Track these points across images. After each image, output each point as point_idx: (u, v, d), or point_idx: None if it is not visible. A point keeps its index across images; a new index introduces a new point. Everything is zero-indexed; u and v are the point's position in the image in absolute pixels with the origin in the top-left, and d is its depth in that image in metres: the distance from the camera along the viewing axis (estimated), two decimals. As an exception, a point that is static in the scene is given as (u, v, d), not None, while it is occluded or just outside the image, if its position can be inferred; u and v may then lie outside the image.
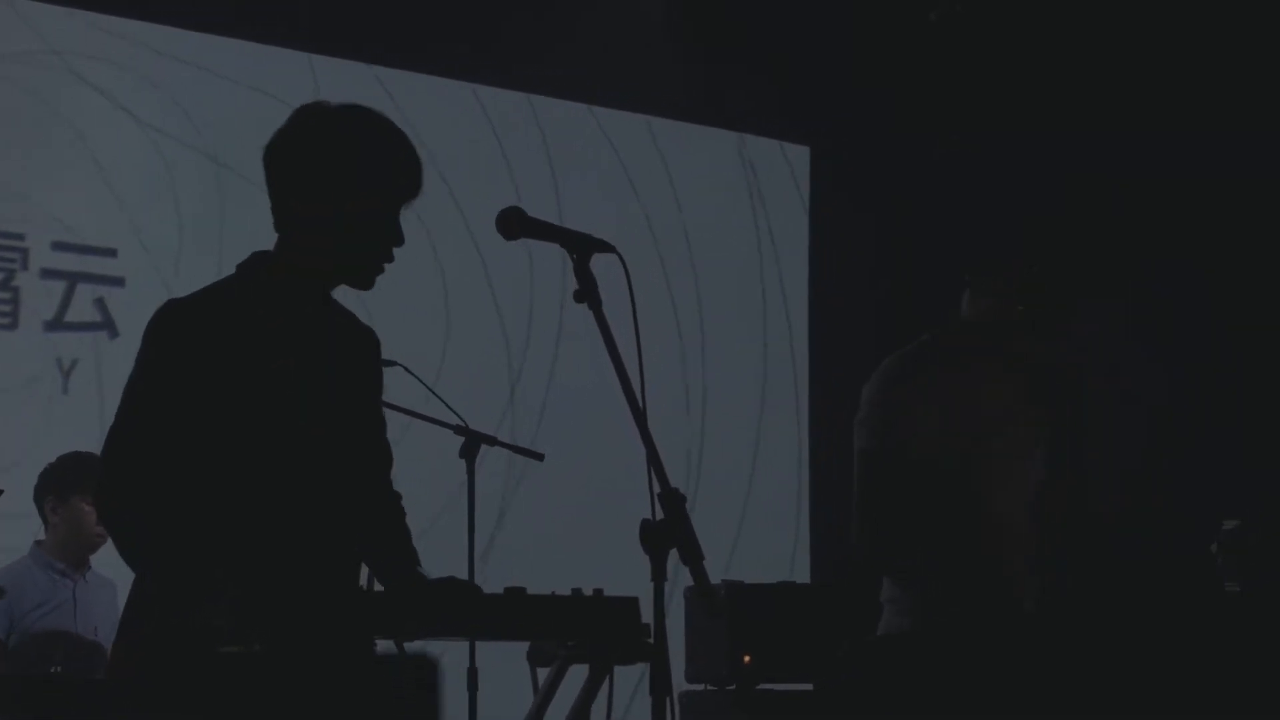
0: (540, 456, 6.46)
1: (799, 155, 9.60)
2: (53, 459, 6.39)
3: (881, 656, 4.46)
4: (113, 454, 3.53)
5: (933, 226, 8.78)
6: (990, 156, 8.73)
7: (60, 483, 6.24)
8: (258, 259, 3.70)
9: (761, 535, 9.07)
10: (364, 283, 3.70)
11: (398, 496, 3.91)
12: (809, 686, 6.86)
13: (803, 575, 9.00)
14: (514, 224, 3.54)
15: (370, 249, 3.66)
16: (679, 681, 6.67)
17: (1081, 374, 4.57)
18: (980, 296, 4.52)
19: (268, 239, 3.71)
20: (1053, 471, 4.49)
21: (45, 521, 6.39)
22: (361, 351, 3.83)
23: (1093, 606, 4.51)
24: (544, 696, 3.50)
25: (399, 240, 3.68)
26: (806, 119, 9.48)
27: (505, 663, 6.06)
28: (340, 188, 3.60)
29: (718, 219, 9.30)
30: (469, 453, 6.21)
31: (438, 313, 8.29)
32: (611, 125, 9.06)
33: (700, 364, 9.11)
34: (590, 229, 3.57)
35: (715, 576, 6.32)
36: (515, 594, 3.43)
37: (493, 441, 6.27)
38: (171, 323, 3.58)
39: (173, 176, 7.79)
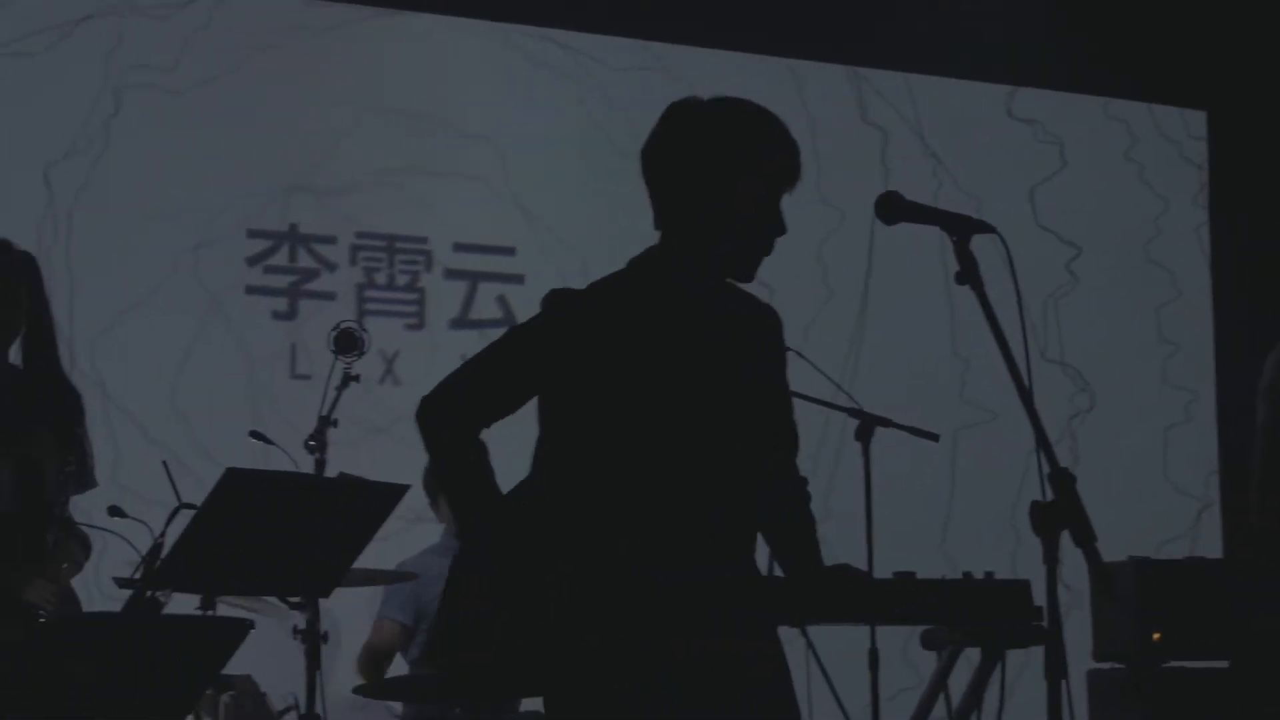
0: (935, 437, 6.40)
1: (1194, 121, 9.36)
2: None
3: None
4: (466, 383, 3.62)
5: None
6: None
7: (428, 483, 6.41)
8: (650, 254, 3.72)
9: (1170, 510, 8.88)
10: (746, 273, 3.69)
11: (803, 481, 3.87)
12: (1223, 664, 6.71)
13: (1214, 551, 8.80)
14: (893, 208, 3.53)
15: (753, 239, 3.66)
16: (1087, 660, 6.58)
17: None
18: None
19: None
20: None
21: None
22: (765, 331, 3.80)
23: None
24: (937, 680, 3.50)
25: (781, 229, 3.66)
26: (1202, 81, 9.22)
27: (906, 644, 6.08)
28: (721, 182, 3.60)
29: (1102, 193, 9.09)
30: (864, 435, 6.20)
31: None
32: (981, 98, 8.94)
33: (1089, 340, 8.94)
34: (964, 208, 3.54)
35: (1120, 554, 6.29)
36: (905, 579, 3.43)
37: (888, 423, 6.24)
38: (565, 302, 3.64)
39: (567, 172, 7.96)
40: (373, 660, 6.39)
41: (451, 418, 3.59)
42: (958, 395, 8.47)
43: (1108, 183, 9.09)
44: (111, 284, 7.19)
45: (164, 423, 7.11)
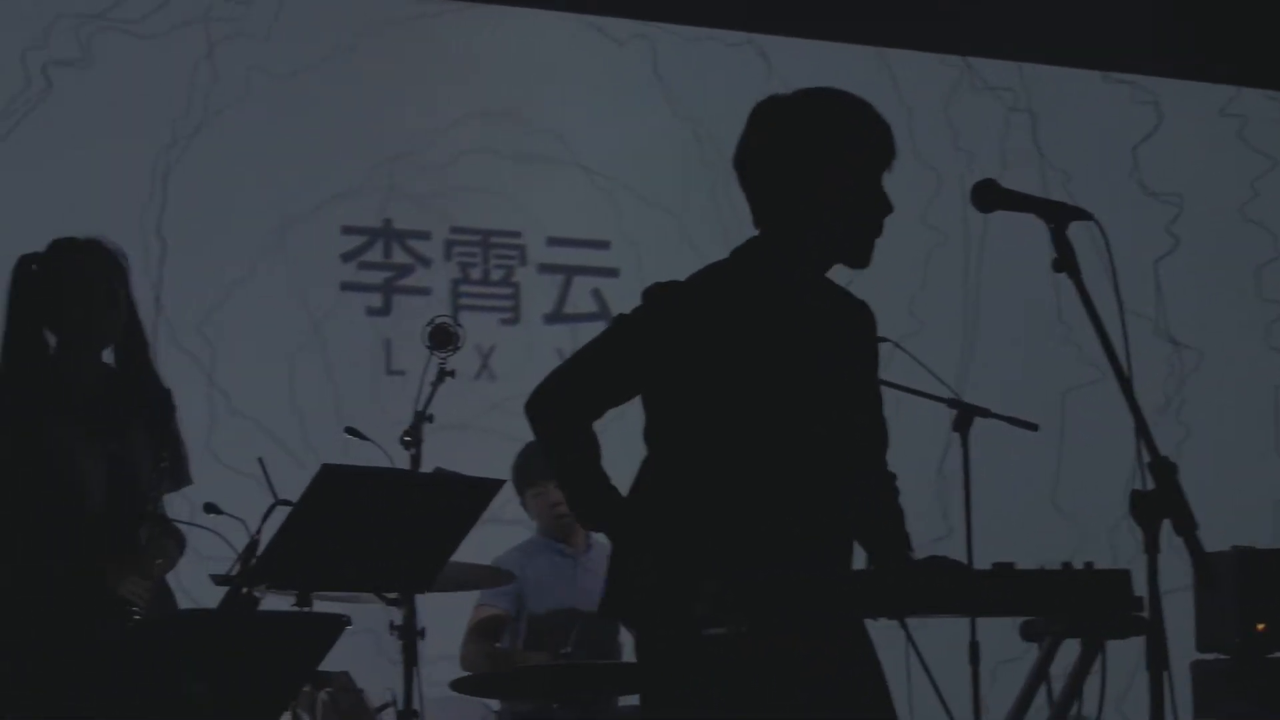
0: (1034, 426, 6.34)
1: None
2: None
3: None
4: (570, 377, 3.67)
5: None
6: None
7: (515, 478, 6.41)
8: (750, 246, 3.74)
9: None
10: (860, 260, 3.71)
11: (892, 477, 3.89)
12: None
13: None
14: (989, 196, 3.52)
15: (860, 225, 3.67)
16: (1190, 651, 6.51)
17: None
18: None
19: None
20: None
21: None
22: (858, 326, 3.82)
23: None
24: (1037, 672, 3.46)
25: (887, 208, 3.67)
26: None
27: (1007, 635, 6.03)
28: (808, 173, 3.61)
29: (1199, 179, 8.97)
30: (962, 425, 6.14)
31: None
32: (1081, 85, 8.84)
33: (1191, 302, 8.83)
34: (1071, 196, 3.52)
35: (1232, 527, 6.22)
36: (1004, 569, 3.39)
37: (986, 413, 6.19)
38: (665, 295, 3.66)
39: (660, 165, 7.95)
40: (479, 644, 6.39)
41: (557, 411, 3.65)
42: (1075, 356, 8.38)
43: (1204, 141, 8.97)
44: (205, 279, 7.23)
45: (259, 420, 7.13)
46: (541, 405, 3.66)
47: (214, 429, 6.95)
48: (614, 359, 3.66)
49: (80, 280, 4.81)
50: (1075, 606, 3.40)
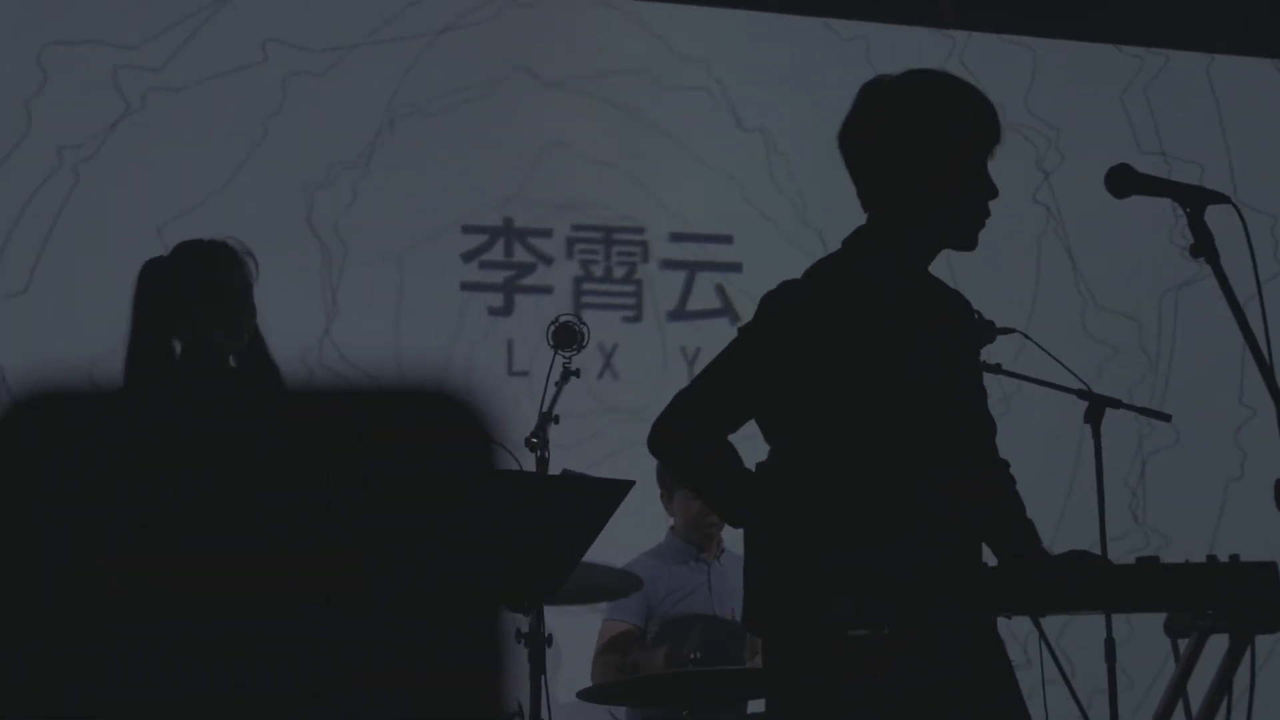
0: (1167, 417, 6.26)
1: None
2: None
3: None
4: (695, 397, 3.61)
5: None
6: None
7: (663, 479, 6.36)
8: (864, 235, 3.69)
9: None
10: (967, 244, 3.66)
11: (1005, 464, 3.83)
12: None
13: None
14: (1125, 181, 3.48)
15: (967, 209, 3.61)
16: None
17: None
18: None
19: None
20: None
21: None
22: (960, 318, 3.78)
23: None
24: (1184, 668, 3.38)
25: (993, 192, 3.61)
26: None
27: (1143, 632, 5.94)
28: (925, 156, 3.57)
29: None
30: (1094, 417, 6.04)
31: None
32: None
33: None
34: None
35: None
36: (1148, 563, 3.32)
37: (1118, 404, 6.09)
38: (781, 299, 3.62)
39: (781, 157, 7.89)
40: (610, 658, 6.37)
41: (683, 428, 3.59)
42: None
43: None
44: (323, 279, 7.24)
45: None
46: (663, 429, 3.60)
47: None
48: (741, 372, 3.61)
49: (213, 282, 4.71)
50: (1222, 600, 3.32)
